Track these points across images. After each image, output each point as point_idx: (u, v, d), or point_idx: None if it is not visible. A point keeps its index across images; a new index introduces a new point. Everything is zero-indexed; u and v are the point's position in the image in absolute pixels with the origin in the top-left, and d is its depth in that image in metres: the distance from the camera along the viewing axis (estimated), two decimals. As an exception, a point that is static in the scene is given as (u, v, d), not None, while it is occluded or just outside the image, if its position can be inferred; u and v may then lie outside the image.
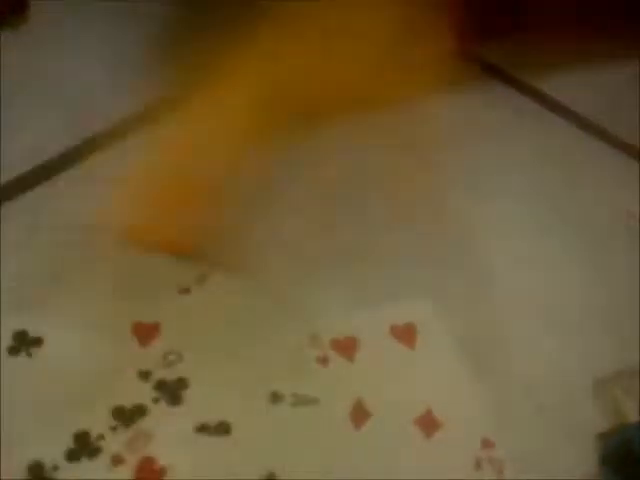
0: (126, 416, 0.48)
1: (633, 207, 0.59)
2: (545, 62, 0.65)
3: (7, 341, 0.50)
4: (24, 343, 0.50)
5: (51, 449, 0.46)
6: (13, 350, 0.50)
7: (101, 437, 0.47)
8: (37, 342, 0.50)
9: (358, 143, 0.60)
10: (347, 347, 0.51)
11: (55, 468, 0.46)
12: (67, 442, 0.47)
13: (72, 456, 0.46)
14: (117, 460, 0.46)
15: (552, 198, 0.59)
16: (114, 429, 0.47)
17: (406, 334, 0.52)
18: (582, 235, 0.57)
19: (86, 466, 0.46)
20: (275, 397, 0.49)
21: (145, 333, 0.51)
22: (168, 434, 0.47)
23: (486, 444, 0.49)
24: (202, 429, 0.48)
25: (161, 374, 0.49)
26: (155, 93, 0.63)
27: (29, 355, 0.50)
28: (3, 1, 0.66)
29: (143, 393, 0.49)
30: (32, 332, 0.50)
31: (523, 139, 0.62)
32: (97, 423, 0.47)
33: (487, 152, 0.61)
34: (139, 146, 0.60)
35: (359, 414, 0.49)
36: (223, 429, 0.48)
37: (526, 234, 0.58)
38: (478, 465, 0.48)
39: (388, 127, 0.61)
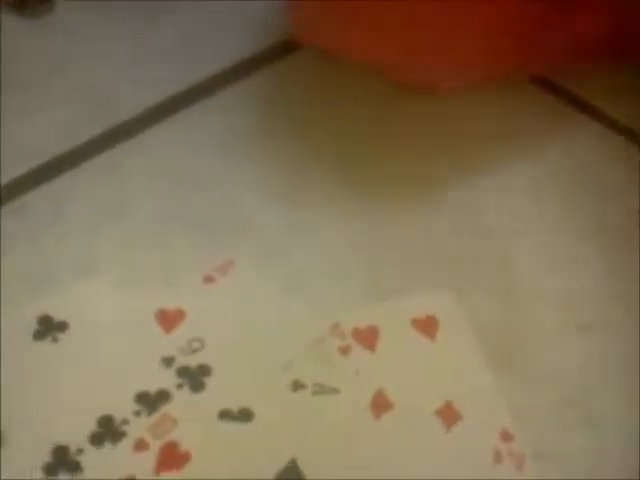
0: (150, 401, 0.48)
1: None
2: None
3: (33, 326, 0.50)
4: (50, 328, 0.50)
5: (75, 433, 0.47)
6: (39, 335, 0.50)
7: (125, 422, 0.47)
8: (62, 327, 0.50)
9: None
10: (368, 337, 0.51)
11: (79, 451, 0.47)
12: (91, 426, 0.47)
13: (96, 440, 0.47)
14: (141, 445, 0.47)
15: (571, 198, 0.59)
16: (138, 414, 0.48)
17: (427, 326, 0.52)
18: (599, 230, 0.58)
19: (110, 450, 0.47)
20: (297, 385, 0.49)
21: (169, 319, 0.51)
22: (191, 420, 0.48)
23: (506, 437, 0.49)
24: (225, 415, 0.48)
25: (184, 360, 0.50)
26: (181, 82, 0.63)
27: (55, 340, 0.50)
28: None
29: (166, 379, 0.49)
30: (57, 317, 0.51)
31: (551, 139, 0.62)
32: (121, 408, 0.48)
33: (513, 150, 0.61)
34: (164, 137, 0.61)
35: (380, 404, 0.49)
36: (245, 415, 0.48)
37: (544, 229, 0.58)
38: (498, 458, 0.48)
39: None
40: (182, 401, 0.48)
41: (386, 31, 0.56)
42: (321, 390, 0.49)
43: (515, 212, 0.58)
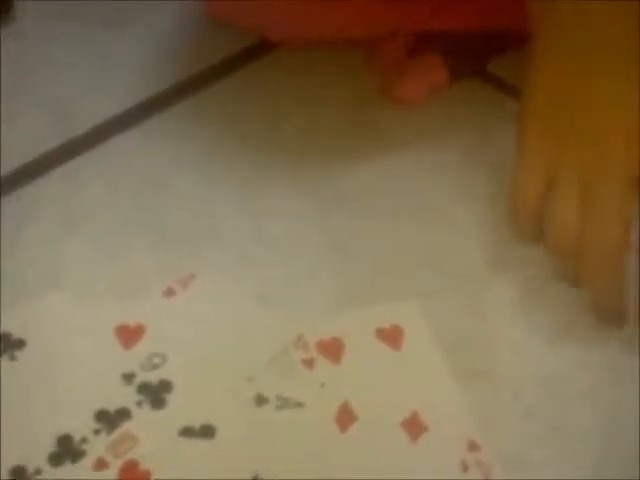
0: (110, 419, 0.47)
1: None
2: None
3: (-11, 343, 0.50)
4: (7, 345, 0.50)
5: (34, 452, 0.46)
6: (-5, 353, 0.49)
7: (84, 440, 0.47)
8: (20, 344, 0.50)
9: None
10: (333, 349, 0.51)
11: (38, 472, 0.46)
12: (50, 445, 0.46)
13: (55, 460, 0.46)
14: (101, 464, 0.46)
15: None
16: (97, 432, 0.47)
17: (392, 336, 0.52)
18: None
19: (69, 470, 0.46)
20: (260, 400, 0.49)
21: (129, 335, 0.50)
22: (152, 437, 0.47)
23: (473, 447, 0.48)
24: (186, 432, 0.47)
25: (145, 377, 0.49)
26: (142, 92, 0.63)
27: (12, 358, 0.49)
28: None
29: (127, 396, 0.48)
30: (15, 334, 0.50)
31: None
32: (80, 426, 0.47)
33: (477, 154, 0.61)
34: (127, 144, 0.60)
35: (345, 417, 0.49)
36: (207, 432, 0.47)
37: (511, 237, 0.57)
38: (465, 468, 0.48)
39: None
40: (143, 418, 0.48)
41: None
42: (285, 404, 0.49)
43: (482, 220, 0.58)
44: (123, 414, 0.48)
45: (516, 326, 0.53)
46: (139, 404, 0.48)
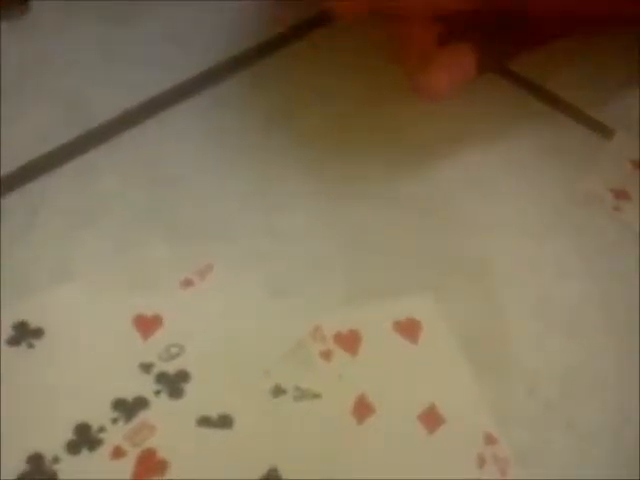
0: (127, 408, 0.47)
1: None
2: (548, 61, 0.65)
3: (7, 332, 0.49)
4: (25, 334, 0.49)
5: (51, 441, 0.46)
6: (13, 341, 0.49)
7: (102, 429, 0.47)
8: (38, 333, 0.50)
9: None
10: (350, 341, 0.51)
11: (55, 460, 0.46)
12: (67, 434, 0.46)
13: (72, 448, 0.46)
14: (118, 452, 0.46)
15: (555, 197, 0.59)
16: (115, 421, 0.47)
17: (409, 328, 0.52)
18: (583, 233, 0.57)
19: (86, 458, 0.46)
20: (277, 391, 0.49)
21: (147, 325, 0.50)
22: (170, 427, 0.47)
23: (489, 440, 0.48)
24: (204, 422, 0.47)
25: (163, 367, 0.49)
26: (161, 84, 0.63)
27: (30, 346, 0.49)
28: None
29: (144, 385, 0.48)
30: (33, 323, 0.50)
31: (527, 137, 0.62)
32: (98, 415, 0.47)
33: (493, 150, 0.61)
34: (141, 137, 0.60)
35: (362, 409, 0.49)
36: (225, 422, 0.47)
37: (528, 233, 0.57)
38: (481, 461, 0.48)
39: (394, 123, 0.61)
40: (160, 408, 0.47)
41: None
42: (302, 395, 0.49)
43: (500, 215, 0.58)
44: (141, 403, 0.47)
45: (531, 319, 0.53)
46: (157, 394, 0.48)
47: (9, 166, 0.58)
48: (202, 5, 0.67)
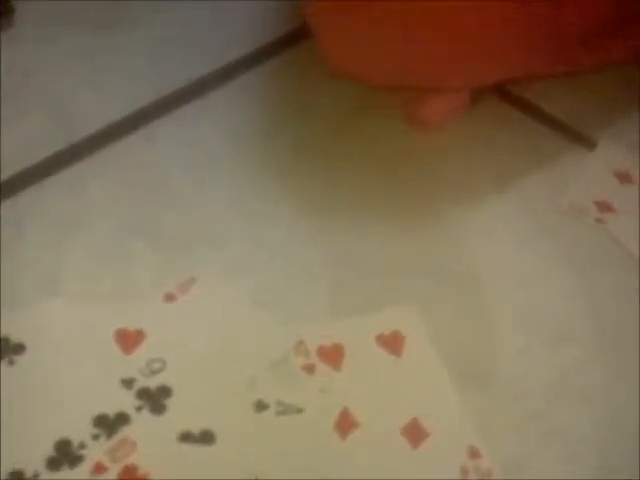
0: (109, 424, 0.47)
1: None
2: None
3: (-12, 348, 0.49)
4: (6, 350, 0.49)
5: (32, 457, 0.46)
6: (-6, 357, 0.49)
7: (83, 445, 0.46)
8: (19, 349, 0.49)
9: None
10: (334, 355, 0.51)
11: (35, 476, 0.45)
12: (48, 450, 0.46)
13: (53, 464, 0.46)
14: (99, 468, 0.46)
15: (541, 210, 0.59)
16: (96, 437, 0.47)
17: (393, 342, 0.51)
18: (568, 245, 0.57)
19: (67, 474, 0.46)
20: (260, 406, 0.49)
21: (129, 340, 0.50)
22: (151, 443, 0.47)
23: (473, 453, 0.48)
24: (186, 438, 0.47)
25: (144, 382, 0.49)
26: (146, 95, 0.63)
27: (11, 362, 0.49)
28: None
29: (126, 401, 0.48)
30: (14, 339, 0.50)
31: (511, 149, 0.62)
32: (79, 431, 0.47)
33: (478, 161, 0.61)
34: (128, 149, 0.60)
35: (345, 424, 0.48)
36: (207, 438, 0.47)
37: (513, 244, 0.57)
38: (465, 474, 0.47)
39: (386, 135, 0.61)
40: (142, 424, 0.47)
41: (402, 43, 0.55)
42: (285, 410, 0.49)
43: (485, 227, 0.58)
44: (122, 419, 0.47)
45: (516, 330, 0.53)
46: (138, 409, 0.48)
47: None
48: (191, 17, 0.68)
